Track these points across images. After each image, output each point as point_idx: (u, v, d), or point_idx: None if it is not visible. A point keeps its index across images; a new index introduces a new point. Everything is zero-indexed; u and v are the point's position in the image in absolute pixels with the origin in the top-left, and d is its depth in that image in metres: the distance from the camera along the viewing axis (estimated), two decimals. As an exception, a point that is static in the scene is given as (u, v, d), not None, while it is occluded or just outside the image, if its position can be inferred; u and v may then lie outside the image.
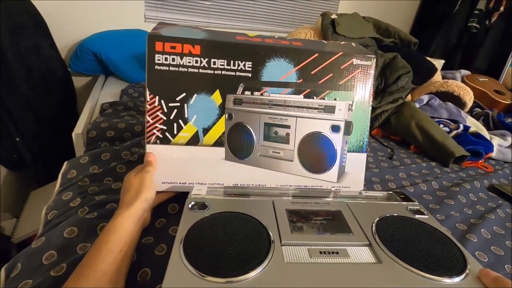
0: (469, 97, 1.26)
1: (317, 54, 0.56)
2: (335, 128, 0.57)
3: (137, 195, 0.46)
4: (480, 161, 0.96)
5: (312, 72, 0.57)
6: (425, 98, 1.19)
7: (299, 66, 0.56)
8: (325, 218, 0.45)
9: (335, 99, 0.57)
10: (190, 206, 0.44)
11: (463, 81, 1.51)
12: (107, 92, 1.28)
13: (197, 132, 0.55)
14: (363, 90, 0.58)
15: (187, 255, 0.35)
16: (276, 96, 0.56)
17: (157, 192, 0.52)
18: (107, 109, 0.99)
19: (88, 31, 1.46)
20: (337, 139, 0.57)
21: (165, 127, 0.54)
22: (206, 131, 0.55)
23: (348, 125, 0.58)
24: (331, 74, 0.57)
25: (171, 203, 0.57)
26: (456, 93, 1.24)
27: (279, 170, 0.58)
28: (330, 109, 0.56)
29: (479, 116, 1.28)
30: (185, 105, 0.54)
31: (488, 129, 1.17)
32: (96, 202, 0.55)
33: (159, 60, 0.52)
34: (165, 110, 0.54)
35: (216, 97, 0.55)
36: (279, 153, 0.58)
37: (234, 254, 0.35)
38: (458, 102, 1.25)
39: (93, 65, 1.42)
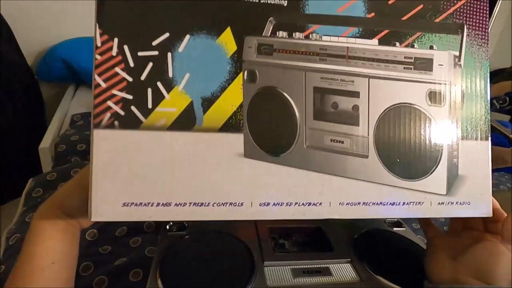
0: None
1: (396, -27, 0.33)
2: (435, 97, 0.32)
3: None
4: None
5: (390, 2, 0.33)
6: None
7: (368, -9, 0.32)
8: (306, 235, 0.44)
9: (431, 47, 0.33)
10: (167, 226, 0.41)
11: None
12: (78, 102, 1.19)
13: (191, 105, 0.29)
14: (474, 34, 0.35)
15: (165, 284, 0.32)
16: (332, 41, 0.32)
17: None
18: (78, 120, 0.94)
19: (58, 37, 1.31)
20: (440, 117, 0.32)
21: (130, 96, 0.28)
22: (208, 103, 0.30)
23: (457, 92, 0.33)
24: (422, 6, 0.33)
25: (146, 220, 0.50)
26: None
27: (345, 175, 0.32)
28: (425, 64, 0.32)
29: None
30: (169, 54, 0.29)
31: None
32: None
33: None
34: (131, 64, 0.28)
35: (226, 40, 0.30)
36: (342, 142, 0.32)
37: (214, 281, 0.33)
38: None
39: (63, 73, 1.27)
